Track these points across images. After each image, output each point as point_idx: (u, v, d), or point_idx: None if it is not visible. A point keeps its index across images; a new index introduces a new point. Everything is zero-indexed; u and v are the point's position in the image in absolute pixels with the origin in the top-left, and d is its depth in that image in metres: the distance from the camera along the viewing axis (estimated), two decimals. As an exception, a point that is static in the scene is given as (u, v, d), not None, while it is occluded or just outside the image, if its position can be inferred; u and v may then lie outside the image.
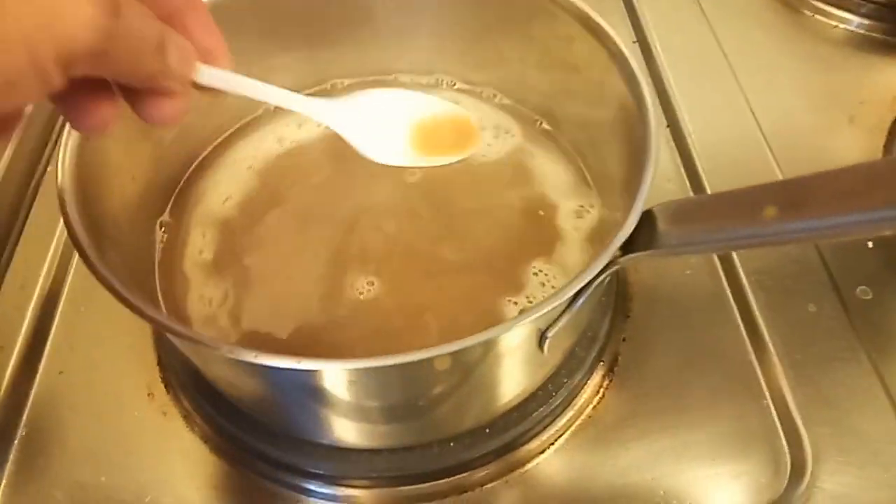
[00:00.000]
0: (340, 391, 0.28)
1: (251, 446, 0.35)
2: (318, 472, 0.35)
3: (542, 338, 0.28)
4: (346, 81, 0.45)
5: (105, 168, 0.33)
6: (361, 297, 0.36)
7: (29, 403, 0.38)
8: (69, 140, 0.31)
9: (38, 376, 0.39)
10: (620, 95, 0.33)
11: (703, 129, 0.50)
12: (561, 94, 0.39)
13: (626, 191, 0.31)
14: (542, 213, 0.39)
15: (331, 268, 0.37)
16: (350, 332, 0.35)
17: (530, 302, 0.35)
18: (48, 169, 0.47)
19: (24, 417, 0.38)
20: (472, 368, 0.29)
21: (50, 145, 0.48)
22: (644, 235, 0.26)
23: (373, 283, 0.36)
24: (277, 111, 0.43)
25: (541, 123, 0.42)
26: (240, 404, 0.35)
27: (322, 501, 0.35)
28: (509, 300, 0.36)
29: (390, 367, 0.23)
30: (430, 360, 0.24)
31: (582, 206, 0.39)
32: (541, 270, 0.37)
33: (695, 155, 0.48)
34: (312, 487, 0.35)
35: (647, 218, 0.27)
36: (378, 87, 0.29)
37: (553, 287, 0.36)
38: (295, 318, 0.35)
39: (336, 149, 0.41)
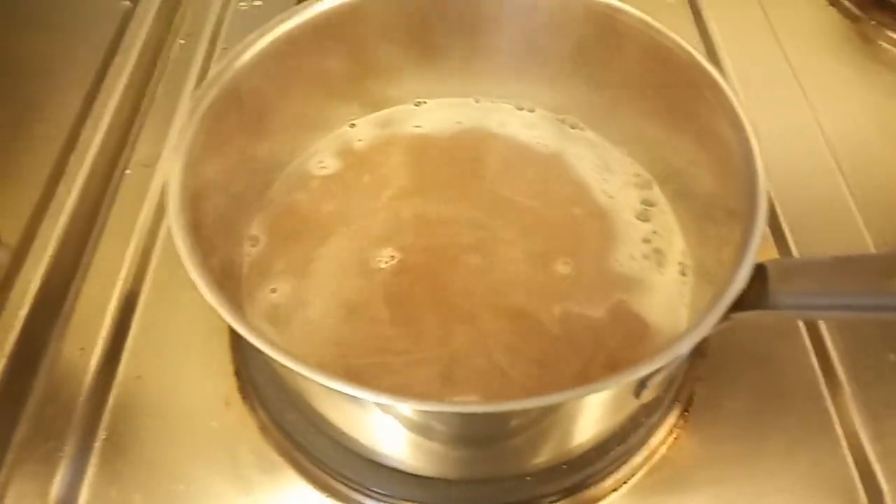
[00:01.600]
0: (443, 426, 0.28)
1: (329, 465, 0.36)
2: (393, 496, 0.35)
3: (640, 387, 0.28)
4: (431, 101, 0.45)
5: (203, 181, 0.33)
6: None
7: (108, 407, 0.39)
8: (178, 155, 0.31)
9: (116, 380, 0.39)
10: (721, 139, 0.32)
11: (777, 160, 0.49)
12: (665, 139, 0.38)
13: (721, 240, 0.31)
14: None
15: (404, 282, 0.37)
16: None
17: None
18: (126, 172, 0.48)
19: (104, 421, 0.38)
20: (564, 412, 0.29)
21: (126, 149, 0.49)
22: (753, 293, 0.26)
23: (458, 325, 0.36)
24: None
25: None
26: (322, 425, 0.35)
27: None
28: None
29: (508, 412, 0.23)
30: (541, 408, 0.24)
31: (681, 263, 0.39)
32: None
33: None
34: (385, 511, 0.35)
35: (759, 274, 0.26)
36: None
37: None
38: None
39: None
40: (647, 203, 0.40)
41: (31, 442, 0.37)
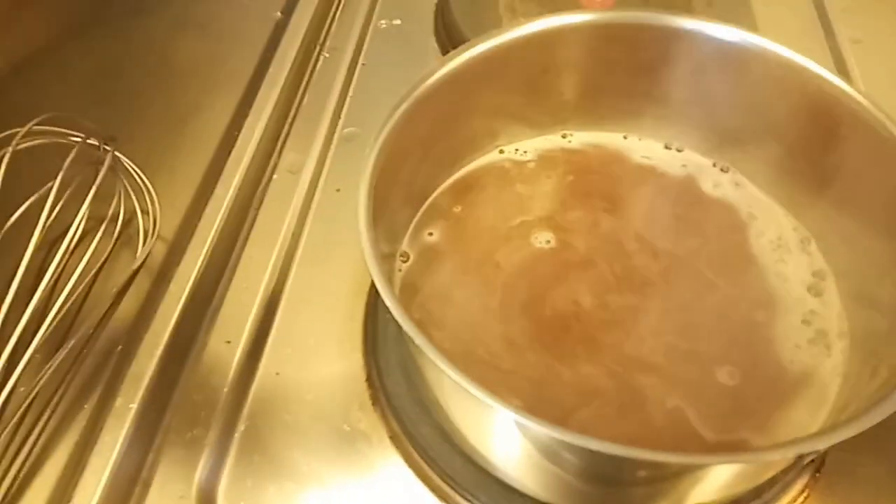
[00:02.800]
0: (602, 465, 0.28)
1: (459, 483, 0.37)
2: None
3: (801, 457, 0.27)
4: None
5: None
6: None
7: (248, 400, 0.41)
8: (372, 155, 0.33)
9: (257, 375, 0.42)
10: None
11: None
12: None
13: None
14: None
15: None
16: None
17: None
18: (273, 177, 0.50)
19: (245, 412, 0.40)
20: (717, 472, 0.29)
21: (275, 155, 0.52)
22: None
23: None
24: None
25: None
26: (456, 440, 0.36)
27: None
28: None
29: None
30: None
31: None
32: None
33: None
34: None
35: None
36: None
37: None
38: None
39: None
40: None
41: (178, 428, 0.39)
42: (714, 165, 0.44)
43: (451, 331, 0.38)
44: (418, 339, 0.27)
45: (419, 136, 0.38)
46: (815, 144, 0.39)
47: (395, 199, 0.39)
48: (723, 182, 0.43)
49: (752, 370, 0.36)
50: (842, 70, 0.56)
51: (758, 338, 0.37)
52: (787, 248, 0.40)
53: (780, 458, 0.24)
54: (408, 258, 0.40)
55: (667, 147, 0.44)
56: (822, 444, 0.25)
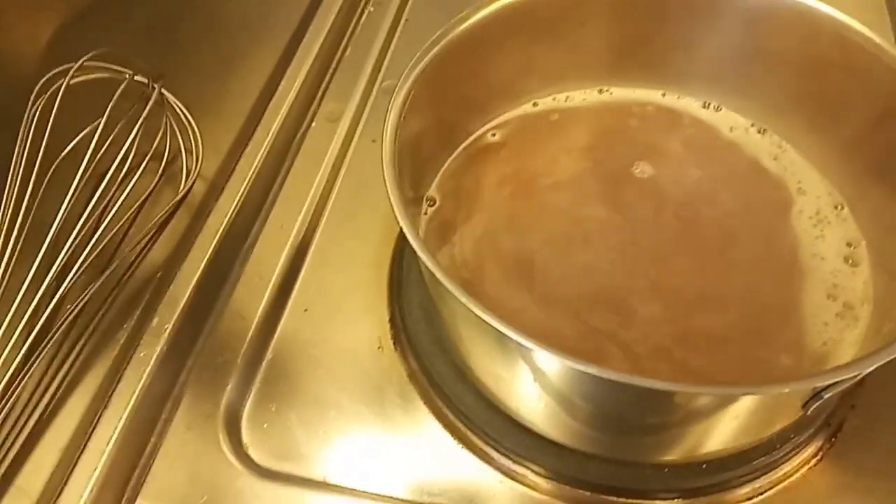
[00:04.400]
0: (594, 394, 0.29)
1: (469, 417, 0.38)
2: (526, 459, 0.37)
3: (814, 399, 0.27)
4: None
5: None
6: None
7: (277, 333, 0.42)
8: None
9: (286, 309, 0.43)
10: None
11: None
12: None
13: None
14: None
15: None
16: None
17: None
18: (312, 125, 0.52)
19: (273, 343, 0.42)
20: (729, 409, 0.29)
21: (314, 104, 0.53)
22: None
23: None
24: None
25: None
26: (470, 378, 0.37)
27: (517, 484, 0.37)
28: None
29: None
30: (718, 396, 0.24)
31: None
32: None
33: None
34: (518, 470, 0.37)
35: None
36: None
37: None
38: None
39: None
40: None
41: (210, 353, 0.41)
42: (752, 126, 0.43)
43: (472, 271, 0.38)
44: (437, 272, 0.28)
45: (448, 83, 0.38)
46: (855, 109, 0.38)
47: (425, 146, 0.40)
48: (760, 143, 0.42)
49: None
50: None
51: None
52: (823, 217, 0.39)
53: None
54: (434, 202, 0.41)
55: (705, 106, 0.44)
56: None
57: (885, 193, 0.37)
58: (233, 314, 0.43)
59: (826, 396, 0.27)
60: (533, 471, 0.37)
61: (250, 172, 0.47)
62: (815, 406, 0.28)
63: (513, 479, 0.37)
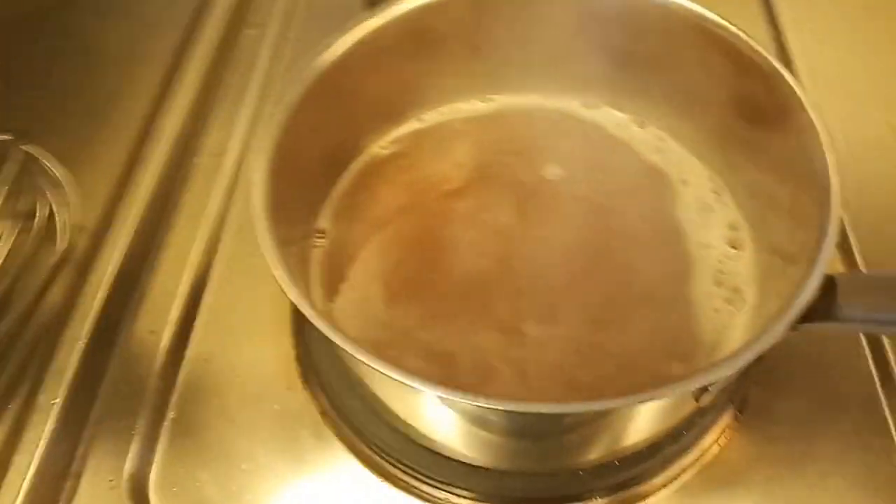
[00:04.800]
0: (505, 421, 0.29)
1: (386, 451, 0.37)
2: (447, 483, 0.36)
3: (702, 392, 0.28)
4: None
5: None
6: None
7: (177, 388, 0.40)
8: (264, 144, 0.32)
9: (185, 361, 0.41)
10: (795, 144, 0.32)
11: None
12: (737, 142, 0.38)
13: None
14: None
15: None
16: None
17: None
18: (195, 160, 0.49)
19: (173, 401, 0.40)
20: (624, 414, 0.29)
21: (196, 138, 0.51)
22: (822, 305, 0.26)
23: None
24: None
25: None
26: (382, 412, 0.37)
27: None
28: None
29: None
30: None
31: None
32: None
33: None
34: (441, 496, 0.36)
35: (828, 285, 0.26)
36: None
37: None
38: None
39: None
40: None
41: (106, 420, 0.39)
42: (631, 121, 0.44)
43: (366, 296, 0.38)
44: (323, 327, 0.27)
45: (326, 108, 0.37)
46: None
47: (308, 177, 0.38)
48: (642, 137, 0.43)
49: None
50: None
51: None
52: (706, 205, 0.40)
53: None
54: (324, 233, 0.40)
55: (585, 105, 0.44)
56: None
57: (757, 171, 0.38)
58: (128, 375, 0.41)
59: (712, 389, 0.27)
60: (455, 494, 0.36)
61: (133, 219, 0.45)
62: (706, 397, 0.29)
63: (437, 506, 0.36)
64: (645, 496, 0.37)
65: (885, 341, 0.41)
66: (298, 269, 0.38)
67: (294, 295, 0.27)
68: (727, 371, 0.24)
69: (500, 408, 0.24)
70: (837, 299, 0.26)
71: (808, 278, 0.26)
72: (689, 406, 0.32)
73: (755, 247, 0.38)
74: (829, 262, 0.26)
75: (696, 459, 0.37)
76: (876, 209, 0.46)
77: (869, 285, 0.26)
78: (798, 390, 0.39)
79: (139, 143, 0.49)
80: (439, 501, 0.36)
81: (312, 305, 0.28)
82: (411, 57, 0.41)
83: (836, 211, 0.28)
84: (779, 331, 0.25)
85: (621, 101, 0.43)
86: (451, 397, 0.25)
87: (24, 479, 0.35)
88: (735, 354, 0.25)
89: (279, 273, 0.28)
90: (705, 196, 0.40)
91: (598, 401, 0.24)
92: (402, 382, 0.25)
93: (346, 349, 0.25)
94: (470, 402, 0.24)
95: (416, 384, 0.25)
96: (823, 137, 0.30)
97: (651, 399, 0.24)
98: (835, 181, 0.29)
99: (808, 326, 0.26)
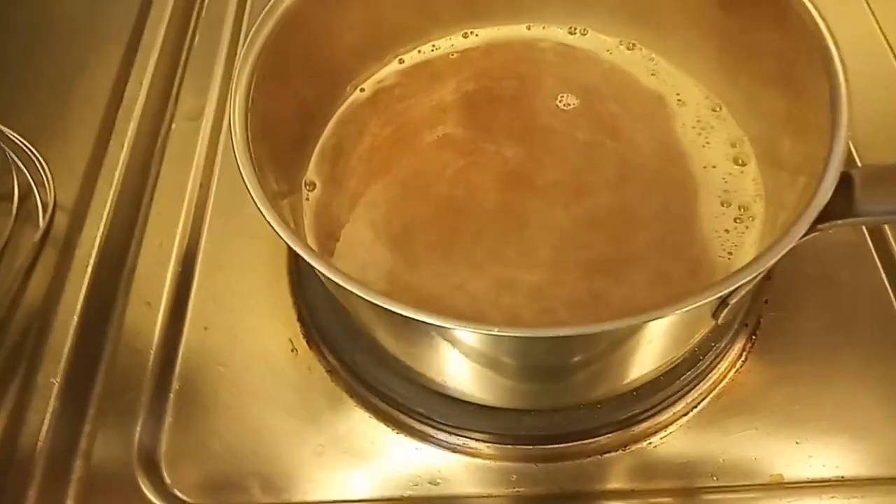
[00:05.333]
0: (511, 353, 0.28)
1: (398, 401, 0.36)
2: (462, 427, 0.36)
3: (722, 306, 0.27)
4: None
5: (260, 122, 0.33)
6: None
7: (179, 358, 0.39)
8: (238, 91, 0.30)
9: (184, 332, 0.40)
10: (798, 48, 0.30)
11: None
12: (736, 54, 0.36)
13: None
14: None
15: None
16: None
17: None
18: (172, 126, 0.48)
19: (177, 372, 0.39)
20: (641, 335, 0.28)
21: (171, 104, 0.49)
22: (840, 202, 0.25)
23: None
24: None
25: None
26: (389, 361, 0.36)
27: (460, 455, 0.36)
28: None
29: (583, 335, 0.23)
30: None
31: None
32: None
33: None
34: (458, 442, 0.36)
35: (844, 182, 0.25)
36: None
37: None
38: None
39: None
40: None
41: (110, 395, 0.38)
42: (620, 44, 0.42)
43: (366, 247, 0.36)
44: (312, 260, 0.26)
45: (298, 54, 0.35)
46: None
47: (290, 128, 0.37)
48: (633, 60, 0.41)
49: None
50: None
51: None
52: (706, 124, 0.39)
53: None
54: (314, 186, 0.38)
55: (571, 31, 0.42)
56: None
57: (754, 83, 0.37)
58: (127, 349, 0.39)
59: (732, 302, 0.27)
60: (473, 438, 0.36)
61: (111, 192, 0.43)
62: (724, 313, 0.28)
63: (454, 451, 0.36)
64: (666, 425, 0.36)
65: (894, 247, 0.40)
66: (292, 222, 0.36)
67: (291, 240, 0.26)
68: (750, 275, 0.23)
69: (516, 335, 0.23)
70: (856, 194, 0.25)
71: (825, 174, 0.25)
72: (706, 325, 0.31)
73: (759, 161, 0.37)
74: (844, 156, 0.25)
75: (714, 384, 0.37)
76: (872, 111, 0.45)
77: (886, 177, 0.25)
78: (812, 310, 0.39)
79: (109, 115, 0.47)
80: (457, 447, 0.36)
81: (312, 250, 0.27)
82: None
83: (846, 101, 0.27)
84: (799, 231, 0.24)
85: (606, 25, 0.42)
86: (469, 329, 0.24)
87: (31, 460, 0.34)
88: (756, 259, 0.24)
89: (274, 220, 0.26)
90: (704, 114, 0.39)
91: (620, 319, 0.23)
92: (416, 320, 0.24)
93: (354, 290, 0.24)
94: (485, 332, 0.23)
95: (432, 320, 0.24)
96: (824, 29, 0.29)
97: (675, 311, 0.23)
98: (841, 72, 0.27)
99: (827, 225, 0.25)
